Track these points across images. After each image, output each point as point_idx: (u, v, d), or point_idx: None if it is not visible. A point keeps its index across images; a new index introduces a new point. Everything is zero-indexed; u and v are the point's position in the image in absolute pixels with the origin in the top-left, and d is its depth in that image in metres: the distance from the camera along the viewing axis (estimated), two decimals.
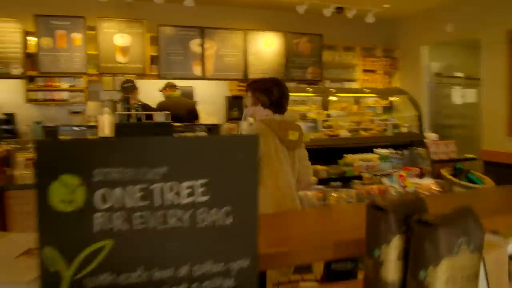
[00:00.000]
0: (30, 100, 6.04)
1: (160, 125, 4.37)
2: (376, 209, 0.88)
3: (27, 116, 6.11)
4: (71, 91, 6.15)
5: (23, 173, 3.90)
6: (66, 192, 0.72)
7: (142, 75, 6.31)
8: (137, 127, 4.05)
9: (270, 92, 2.40)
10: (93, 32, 6.02)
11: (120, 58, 6.17)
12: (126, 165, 0.73)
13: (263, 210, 2.38)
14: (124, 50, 6.19)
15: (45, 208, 0.71)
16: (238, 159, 0.78)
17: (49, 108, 6.22)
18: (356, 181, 3.87)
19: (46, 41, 5.82)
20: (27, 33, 5.81)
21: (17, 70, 5.80)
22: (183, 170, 0.76)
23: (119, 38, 6.13)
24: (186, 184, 0.76)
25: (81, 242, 0.73)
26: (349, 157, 4.13)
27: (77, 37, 5.93)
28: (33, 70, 5.89)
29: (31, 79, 5.98)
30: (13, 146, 5.45)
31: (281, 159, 2.36)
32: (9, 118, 5.97)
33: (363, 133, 4.60)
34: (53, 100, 6.10)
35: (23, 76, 5.88)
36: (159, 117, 4.61)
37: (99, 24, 6.04)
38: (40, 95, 6.06)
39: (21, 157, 4.29)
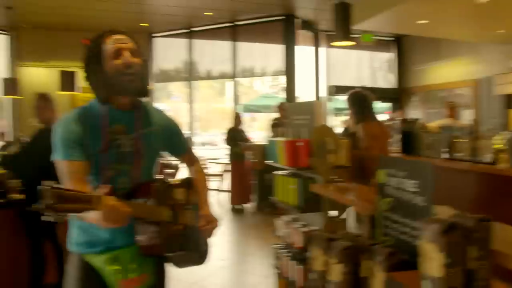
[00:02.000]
0: None
1: None
2: None
3: None
4: None
5: None
6: (383, 174, 1.86)
7: None
8: None
9: None
10: None
11: None
12: (394, 167, 1.77)
13: None
14: None
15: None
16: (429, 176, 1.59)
17: None
18: None
19: None
20: None
21: None
22: (411, 174, 1.68)
23: None
24: (410, 181, 1.68)
25: (386, 196, 1.85)
26: None
27: None
28: None
29: None
30: None
31: None
32: None
33: None
34: None
35: None
36: None
37: None
38: None
39: None
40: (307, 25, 9.70)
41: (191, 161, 2.19)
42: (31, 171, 3.15)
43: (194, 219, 1.97)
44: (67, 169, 1.68)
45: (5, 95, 8.81)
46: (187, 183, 1.99)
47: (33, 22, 9.59)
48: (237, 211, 8.02)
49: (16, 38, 10.33)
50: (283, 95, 9.86)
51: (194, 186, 2.02)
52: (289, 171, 3.49)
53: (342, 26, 3.80)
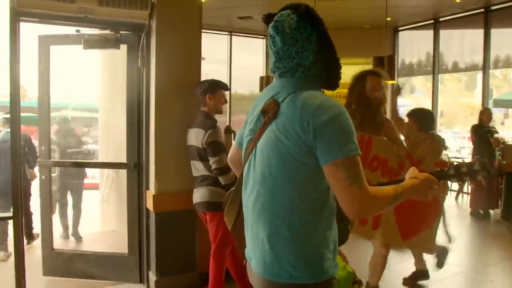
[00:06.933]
0: None
1: None
2: None
3: None
4: None
5: None
6: None
7: None
8: None
9: None
10: None
11: None
12: None
13: None
14: None
15: None
16: None
17: None
18: None
19: None
20: None
21: None
22: None
23: None
24: None
25: None
26: None
27: None
28: None
29: None
30: None
31: None
32: None
33: None
34: None
35: None
36: None
37: None
38: None
39: None
40: None
41: None
42: None
43: None
44: (360, 164, 1.47)
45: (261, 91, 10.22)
46: None
47: None
48: (479, 216, 7.31)
49: None
50: None
51: None
52: None
53: None
